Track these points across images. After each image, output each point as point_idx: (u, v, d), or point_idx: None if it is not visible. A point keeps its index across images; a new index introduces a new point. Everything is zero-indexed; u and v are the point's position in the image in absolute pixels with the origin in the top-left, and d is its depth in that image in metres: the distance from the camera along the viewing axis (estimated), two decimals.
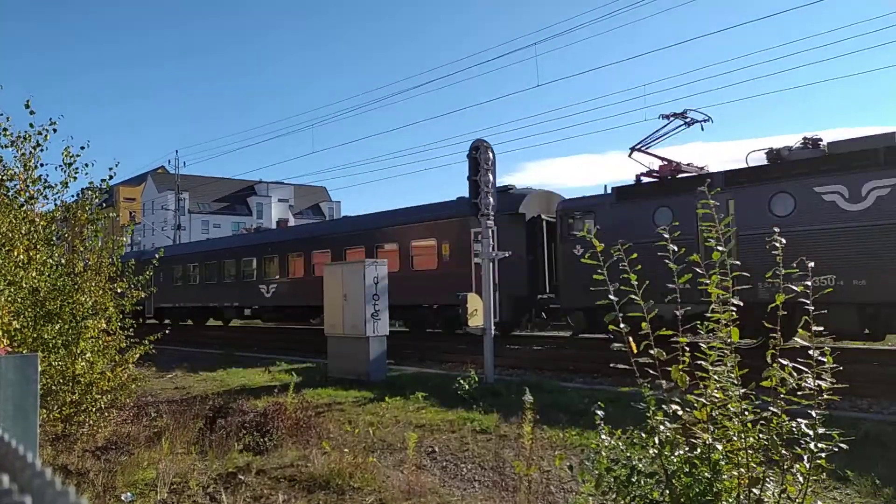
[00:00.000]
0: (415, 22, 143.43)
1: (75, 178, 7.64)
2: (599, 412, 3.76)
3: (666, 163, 14.81)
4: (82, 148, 7.67)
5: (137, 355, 7.83)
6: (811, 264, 3.41)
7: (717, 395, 3.35)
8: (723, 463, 3.28)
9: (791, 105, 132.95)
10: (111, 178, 7.86)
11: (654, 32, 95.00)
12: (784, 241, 3.62)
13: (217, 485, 5.65)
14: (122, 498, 5.27)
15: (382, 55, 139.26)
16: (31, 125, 7.31)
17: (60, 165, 7.55)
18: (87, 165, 7.72)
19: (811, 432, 3.17)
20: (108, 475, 5.72)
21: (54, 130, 7.48)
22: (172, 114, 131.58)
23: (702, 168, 14.92)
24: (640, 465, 3.43)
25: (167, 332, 9.17)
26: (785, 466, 3.24)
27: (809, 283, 3.32)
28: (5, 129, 7.20)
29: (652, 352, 3.43)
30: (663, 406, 3.48)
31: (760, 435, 3.26)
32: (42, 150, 7.39)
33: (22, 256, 6.80)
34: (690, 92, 59.64)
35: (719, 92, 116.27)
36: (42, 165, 7.46)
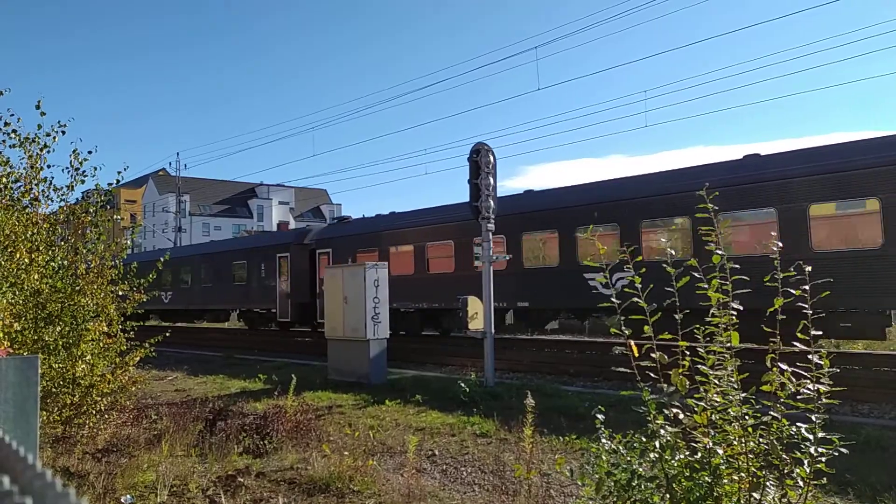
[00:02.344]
0: (415, 25, 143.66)
1: (83, 181, 7.64)
2: (600, 416, 3.76)
3: None
4: (90, 152, 7.67)
5: (138, 358, 7.83)
6: (808, 268, 3.40)
7: (718, 400, 3.34)
8: (723, 467, 3.27)
9: (793, 108, 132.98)
10: (118, 182, 7.85)
11: (655, 36, 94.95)
12: (781, 244, 3.64)
13: (217, 487, 5.64)
14: (122, 500, 5.26)
15: (383, 59, 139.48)
16: (39, 126, 7.31)
17: (67, 168, 7.56)
18: (95, 169, 7.72)
19: (811, 437, 3.17)
20: (108, 477, 5.72)
21: (63, 133, 7.47)
22: (173, 113, 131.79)
23: None
24: (641, 470, 3.43)
25: (167, 334, 9.17)
26: (785, 471, 3.24)
27: (808, 288, 3.32)
28: (14, 131, 7.20)
29: (654, 355, 3.43)
30: (664, 410, 3.47)
31: (761, 439, 3.25)
32: (49, 152, 7.39)
33: (24, 259, 6.80)
34: (692, 96, 59.77)
35: (720, 95, 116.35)
36: (49, 167, 7.46)
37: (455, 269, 17.57)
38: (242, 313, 27.03)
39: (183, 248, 38.47)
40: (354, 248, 20.59)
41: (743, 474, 3.23)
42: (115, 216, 8.59)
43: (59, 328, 7.04)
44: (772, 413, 3.27)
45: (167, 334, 9.04)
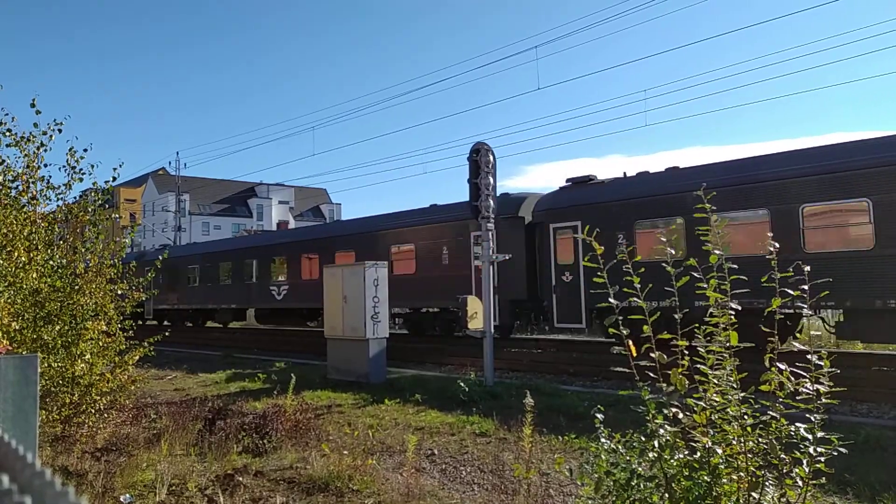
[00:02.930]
0: (415, 25, 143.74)
1: (81, 179, 7.64)
2: (599, 415, 3.76)
3: None
4: (85, 150, 7.67)
5: (137, 357, 7.82)
6: (807, 268, 3.40)
7: (717, 399, 3.35)
8: (722, 467, 3.27)
9: (793, 108, 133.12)
10: (114, 179, 7.84)
11: (655, 36, 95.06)
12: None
13: (215, 486, 5.64)
14: (121, 499, 5.26)
15: (383, 59, 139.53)
16: (35, 125, 7.31)
17: (64, 166, 7.55)
18: (92, 167, 7.71)
19: (810, 436, 3.17)
20: (108, 476, 5.72)
21: (59, 131, 7.46)
22: (173, 113, 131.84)
23: None
24: (640, 469, 3.43)
25: (167, 333, 9.17)
26: (784, 470, 3.24)
27: (807, 288, 3.32)
28: (9, 130, 7.19)
29: (653, 355, 3.43)
30: (663, 410, 3.48)
31: (760, 439, 3.25)
32: (46, 151, 7.38)
33: (23, 258, 6.80)
34: (691, 96, 59.86)
35: (720, 95, 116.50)
36: (46, 166, 7.46)
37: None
38: (404, 315, 20.36)
39: (309, 228, 31.97)
40: (631, 219, 14.10)
41: (742, 474, 3.24)
42: (113, 215, 8.59)
43: (58, 327, 7.04)
44: (771, 413, 3.27)
45: (167, 333, 9.04)
